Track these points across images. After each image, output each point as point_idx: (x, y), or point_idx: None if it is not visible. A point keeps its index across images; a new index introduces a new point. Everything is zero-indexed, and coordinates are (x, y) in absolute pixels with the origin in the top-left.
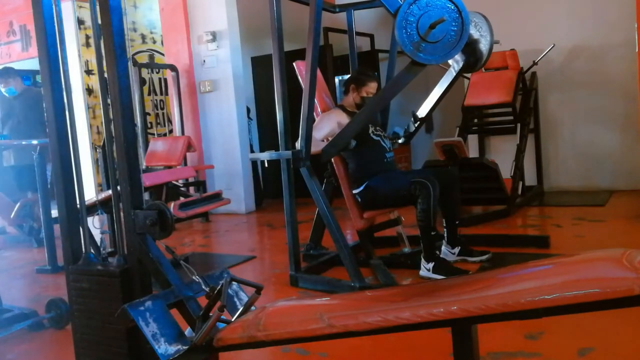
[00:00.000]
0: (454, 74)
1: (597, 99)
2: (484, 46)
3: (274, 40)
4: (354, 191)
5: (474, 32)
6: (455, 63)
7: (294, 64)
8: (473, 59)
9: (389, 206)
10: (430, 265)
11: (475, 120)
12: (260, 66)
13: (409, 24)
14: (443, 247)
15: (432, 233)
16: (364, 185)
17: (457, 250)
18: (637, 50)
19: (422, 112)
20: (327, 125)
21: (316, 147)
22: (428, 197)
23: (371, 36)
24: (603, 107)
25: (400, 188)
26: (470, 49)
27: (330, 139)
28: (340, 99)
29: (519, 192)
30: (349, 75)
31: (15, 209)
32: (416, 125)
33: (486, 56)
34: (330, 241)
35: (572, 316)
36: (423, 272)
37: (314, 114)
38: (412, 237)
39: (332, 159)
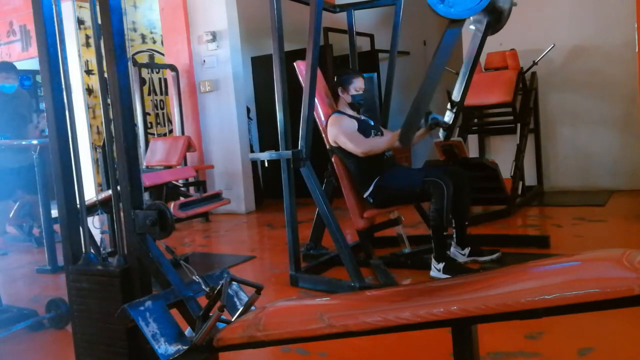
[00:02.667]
0: (480, 36)
1: (597, 98)
2: (504, 4)
3: (274, 40)
4: (364, 194)
5: None
6: (479, 24)
7: (294, 64)
8: (495, 18)
9: (402, 203)
10: (441, 265)
11: (475, 120)
12: (260, 66)
13: None
14: (452, 249)
15: (444, 233)
16: (373, 185)
17: (467, 251)
18: (637, 50)
19: (456, 95)
20: (349, 123)
21: (366, 144)
22: (441, 196)
23: (371, 36)
24: (603, 107)
25: (413, 186)
26: (490, 7)
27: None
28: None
29: (519, 192)
30: (332, 85)
31: (15, 208)
32: (454, 111)
33: (507, 13)
34: (330, 241)
35: (572, 316)
36: (434, 273)
37: (314, 114)
38: (412, 237)
39: (333, 159)
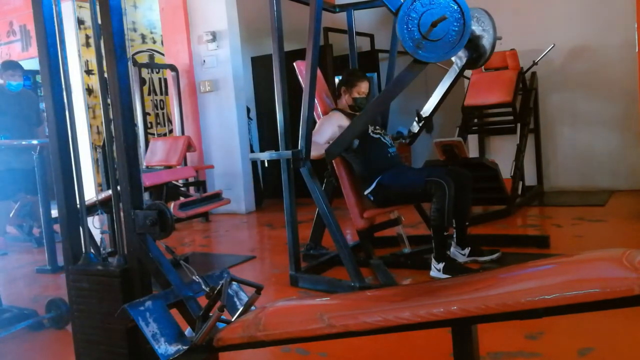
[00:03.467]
0: (457, 70)
1: (597, 99)
2: (486, 41)
3: (274, 40)
4: (366, 192)
5: (476, 28)
6: (459, 59)
7: (294, 64)
8: (476, 55)
9: (404, 202)
10: (441, 265)
11: (475, 120)
12: (260, 66)
13: (411, 20)
14: (452, 249)
15: (445, 233)
16: (375, 183)
17: (467, 251)
18: (637, 50)
19: (426, 110)
20: (328, 128)
21: (318, 151)
22: (443, 196)
23: (371, 36)
24: (603, 107)
25: (415, 185)
26: (473, 44)
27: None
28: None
29: (519, 192)
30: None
31: (15, 208)
32: (420, 124)
33: (489, 52)
34: (330, 241)
35: (572, 316)
36: (433, 273)
37: (314, 114)
38: (412, 237)
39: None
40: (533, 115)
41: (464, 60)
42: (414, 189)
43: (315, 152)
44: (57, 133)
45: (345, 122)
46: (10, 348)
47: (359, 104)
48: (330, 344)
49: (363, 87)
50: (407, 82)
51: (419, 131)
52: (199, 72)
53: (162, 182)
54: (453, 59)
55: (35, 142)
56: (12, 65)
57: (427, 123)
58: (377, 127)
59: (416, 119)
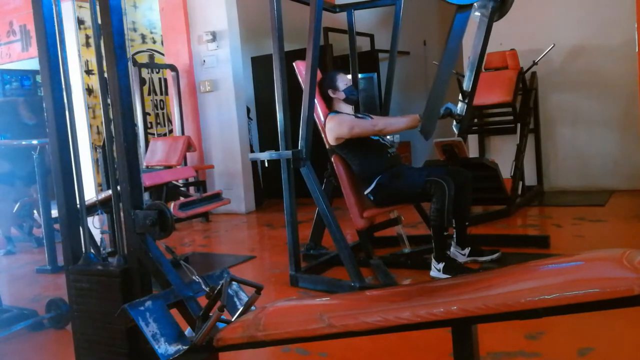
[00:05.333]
0: (486, 22)
1: (597, 98)
2: None
3: (274, 40)
4: (365, 191)
5: None
6: (484, 9)
7: (294, 64)
8: (501, 2)
9: (403, 202)
10: (441, 265)
11: (475, 120)
12: (260, 66)
13: None
14: (452, 249)
15: (445, 233)
16: (374, 183)
17: (467, 251)
18: (637, 50)
19: (467, 84)
20: (348, 117)
21: (382, 121)
22: (443, 196)
23: (371, 36)
24: (603, 107)
25: (415, 185)
26: None
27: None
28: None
29: (519, 192)
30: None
31: (15, 209)
32: (467, 102)
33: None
34: (330, 241)
35: (572, 316)
36: (434, 273)
37: (314, 114)
38: (412, 237)
39: (332, 159)
40: (533, 115)
41: (490, 9)
42: (414, 188)
43: (384, 124)
44: (57, 133)
45: (350, 115)
46: (10, 348)
47: (351, 92)
48: (330, 344)
49: (343, 78)
50: (463, 30)
51: (467, 111)
52: (199, 72)
53: (162, 182)
54: (477, 13)
55: (35, 142)
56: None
57: (472, 100)
58: None
59: (459, 97)
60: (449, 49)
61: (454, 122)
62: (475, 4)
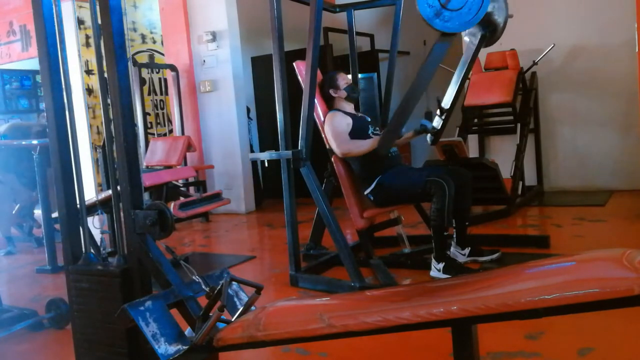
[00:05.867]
0: (473, 49)
1: (597, 98)
2: (499, 17)
3: (274, 40)
4: (365, 191)
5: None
6: (473, 37)
7: (294, 64)
8: (490, 31)
9: (403, 202)
10: (441, 265)
11: (475, 120)
12: (260, 66)
13: None
14: (452, 249)
15: (445, 233)
16: (374, 183)
17: (467, 251)
18: (637, 50)
19: (446, 102)
20: (344, 126)
21: (346, 145)
22: (443, 196)
23: (371, 36)
24: (603, 107)
25: (415, 185)
26: (486, 20)
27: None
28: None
29: (519, 192)
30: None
31: (15, 210)
32: (443, 118)
33: (502, 27)
34: (330, 241)
35: (572, 316)
36: (434, 273)
37: (314, 114)
38: (412, 237)
39: (332, 159)
40: (533, 115)
41: (479, 37)
42: (414, 188)
43: (348, 148)
44: (57, 133)
45: (348, 119)
46: (10, 348)
47: (352, 90)
48: (330, 344)
49: (343, 77)
50: (439, 59)
51: (443, 126)
52: (199, 72)
53: (162, 182)
54: (466, 38)
55: (35, 142)
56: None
57: (449, 116)
58: (377, 128)
59: (437, 112)
60: (424, 73)
61: (428, 135)
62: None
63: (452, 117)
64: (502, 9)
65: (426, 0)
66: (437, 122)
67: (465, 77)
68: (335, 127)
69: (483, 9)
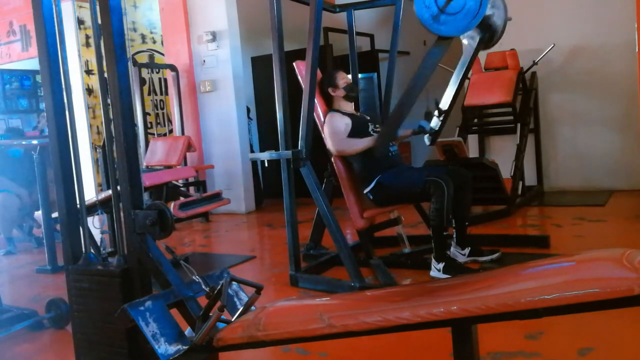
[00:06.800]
0: (472, 51)
1: (597, 98)
2: (498, 20)
3: (274, 40)
4: (365, 190)
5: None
6: (471, 40)
7: (294, 64)
8: (489, 34)
9: (403, 202)
10: (441, 265)
11: (475, 120)
12: (260, 66)
13: None
14: (452, 249)
15: (445, 233)
16: (374, 182)
17: (467, 251)
18: (637, 50)
19: (444, 103)
20: (342, 126)
21: (341, 143)
22: (442, 196)
23: (371, 36)
24: (603, 107)
25: (414, 185)
26: (485, 23)
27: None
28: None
29: (519, 192)
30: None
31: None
32: (441, 119)
33: (501, 30)
34: (330, 241)
35: (572, 316)
36: (434, 273)
37: (314, 114)
38: (412, 237)
39: (332, 158)
40: (533, 115)
41: (477, 40)
42: (413, 188)
43: (343, 146)
44: (57, 133)
45: (346, 120)
46: (10, 348)
47: (350, 89)
48: (330, 344)
49: (342, 76)
50: (436, 61)
51: (441, 127)
52: (199, 72)
53: (162, 182)
54: (465, 41)
55: (35, 142)
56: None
57: (447, 117)
58: (377, 126)
59: (436, 113)
60: (418, 79)
61: (426, 136)
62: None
63: (452, 117)
64: (500, 13)
65: (424, 4)
66: (435, 123)
67: (463, 79)
68: (332, 127)
69: (481, 13)
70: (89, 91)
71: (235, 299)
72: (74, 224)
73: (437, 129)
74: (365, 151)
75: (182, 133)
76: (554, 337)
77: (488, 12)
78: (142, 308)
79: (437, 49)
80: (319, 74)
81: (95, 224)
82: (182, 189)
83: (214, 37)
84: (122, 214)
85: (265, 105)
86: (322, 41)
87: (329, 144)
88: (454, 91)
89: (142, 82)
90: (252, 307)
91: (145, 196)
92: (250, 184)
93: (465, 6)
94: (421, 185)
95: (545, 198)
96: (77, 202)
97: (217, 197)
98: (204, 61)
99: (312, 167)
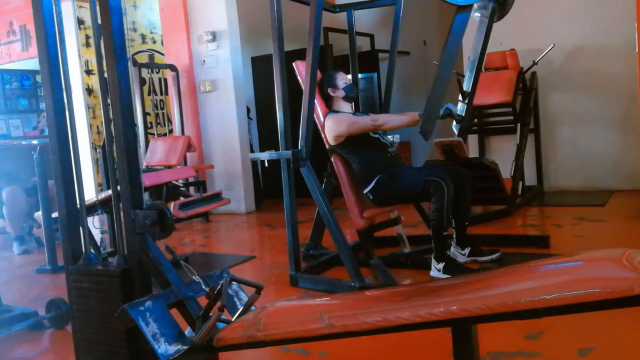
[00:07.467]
0: (486, 23)
1: (597, 98)
2: None
3: (274, 40)
4: (365, 190)
5: None
6: (484, 11)
7: (293, 64)
8: (500, 1)
9: (403, 202)
10: (441, 265)
11: (475, 120)
12: (260, 66)
13: None
14: (452, 249)
15: (445, 233)
16: (374, 182)
17: (467, 251)
18: (637, 50)
19: (467, 85)
20: (347, 115)
21: (381, 117)
22: (442, 196)
23: (371, 36)
24: (603, 107)
25: (414, 185)
26: None
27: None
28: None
29: (519, 192)
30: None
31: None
32: (466, 102)
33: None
34: (330, 241)
35: (572, 316)
36: (434, 273)
37: (314, 114)
38: (412, 237)
39: (332, 158)
40: (533, 115)
41: (490, 9)
42: (413, 188)
43: (383, 120)
44: (57, 133)
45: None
46: (10, 348)
47: (350, 90)
48: (330, 344)
49: (342, 76)
50: (463, 29)
51: (467, 112)
52: (199, 72)
53: (162, 182)
54: (478, 13)
55: (35, 142)
56: None
57: (472, 101)
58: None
59: (459, 97)
60: (449, 49)
61: (454, 123)
62: (475, 4)
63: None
64: None
65: None
66: (460, 108)
67: (482, 55)
68: (346, 118)
69: None
70: (89, 91)
71: (235, 299)
72: (74, 224)
73: (463, 114)
74: (365, 151)
75: (182, 133)
76: (554, 337)
77: None
78: (142, 308)
79: (461, 16)
80: (319, 74)
81: (95, 224)
82: (182, 189)
83: (214, 37)
84: (122, 214)
85: (265, 105)
86: (322, 41)
87: (368, 123)
88: (475, 70)
89: (142, 82)
90: (252, 307)
91: (145, 196)
92: (250, 184)
93: None
94: (421, 185)
95: (545, 198)
96: (77, 202)
97: (217, 197)
98: (204, 61)
99: (312, 167)
